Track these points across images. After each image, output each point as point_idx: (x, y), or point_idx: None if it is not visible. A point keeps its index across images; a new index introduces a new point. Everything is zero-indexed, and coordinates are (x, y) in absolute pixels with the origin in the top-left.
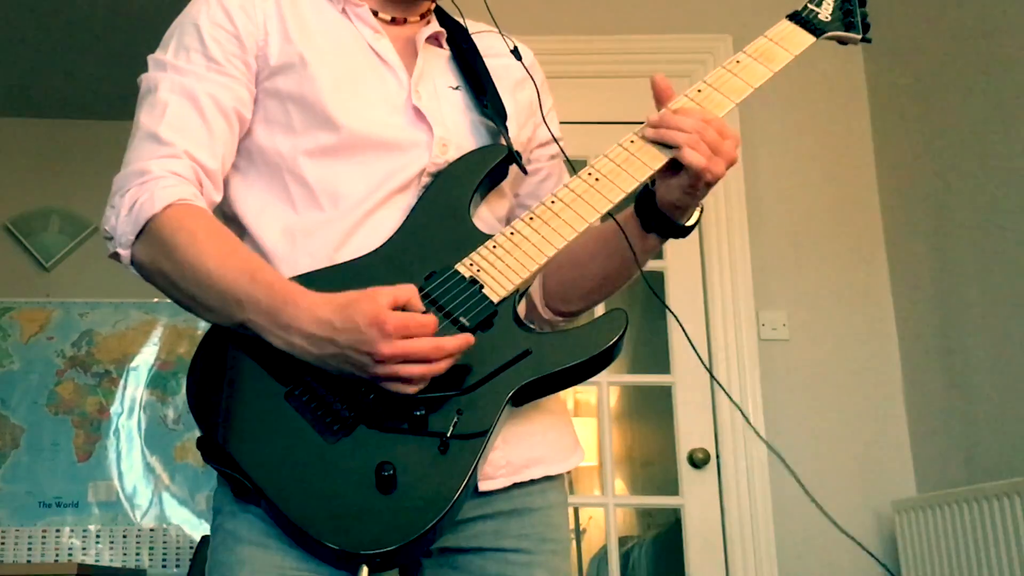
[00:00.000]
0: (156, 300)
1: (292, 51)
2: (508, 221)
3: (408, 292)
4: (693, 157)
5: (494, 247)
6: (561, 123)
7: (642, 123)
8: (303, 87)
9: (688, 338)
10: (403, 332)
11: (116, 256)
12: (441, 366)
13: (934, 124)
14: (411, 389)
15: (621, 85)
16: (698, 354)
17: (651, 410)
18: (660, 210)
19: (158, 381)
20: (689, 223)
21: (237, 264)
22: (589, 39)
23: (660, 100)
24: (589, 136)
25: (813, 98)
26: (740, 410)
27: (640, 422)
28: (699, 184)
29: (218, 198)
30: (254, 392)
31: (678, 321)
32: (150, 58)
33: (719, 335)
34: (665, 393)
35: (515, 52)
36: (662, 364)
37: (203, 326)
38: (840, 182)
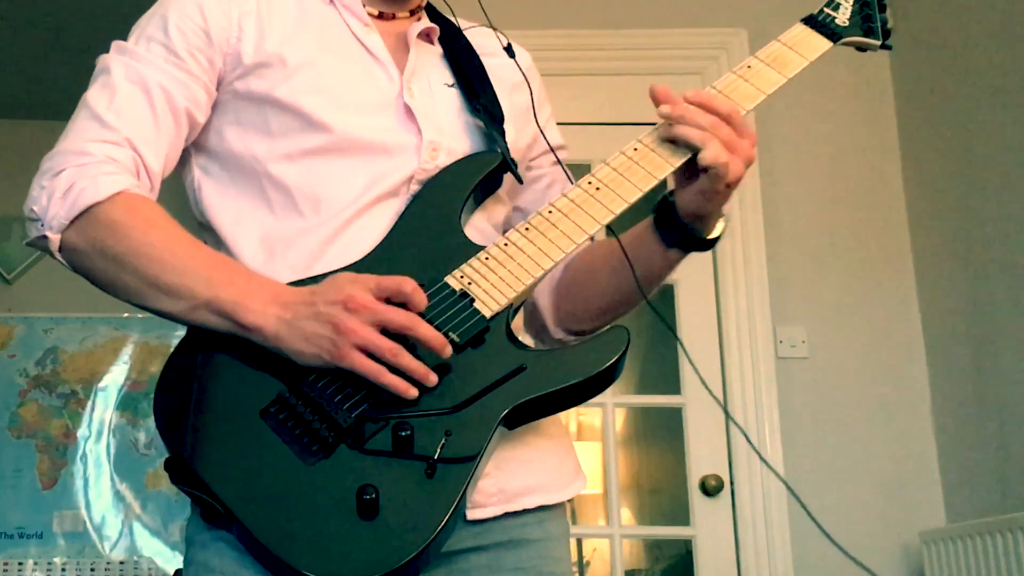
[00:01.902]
0: (126, 315)
1: (269, 50)
2: (506, 231)
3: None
4: (712, 155)
5: (486, 259)
6: (560, 124)
7: (649, 124)
8: (280, 88)
9: (692, 365)
10: (376, 283)
11: (42, 240)
12: (412, 364)
13: (966, 129)
14: (403, 386)
15: (625, 84)
16: (704, 382)
17: (660, 434)
18: (682, 222)
19: (129, 402)
20: (713, 235)
21: (203, 249)
22: (591, 34)
23: (659, 103)
24: (591, 139)
25: (835, 100)
26: (748, 439)
27: (648, 446)
28: (720, 186)
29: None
30: (227, 409)
31: (681, 346)
32: (114, 43)
33: (733, 353)
34: (675, 415)
35: (508, 49)
36: (672, 384)
37: (177, 343)
38: (864, 189)
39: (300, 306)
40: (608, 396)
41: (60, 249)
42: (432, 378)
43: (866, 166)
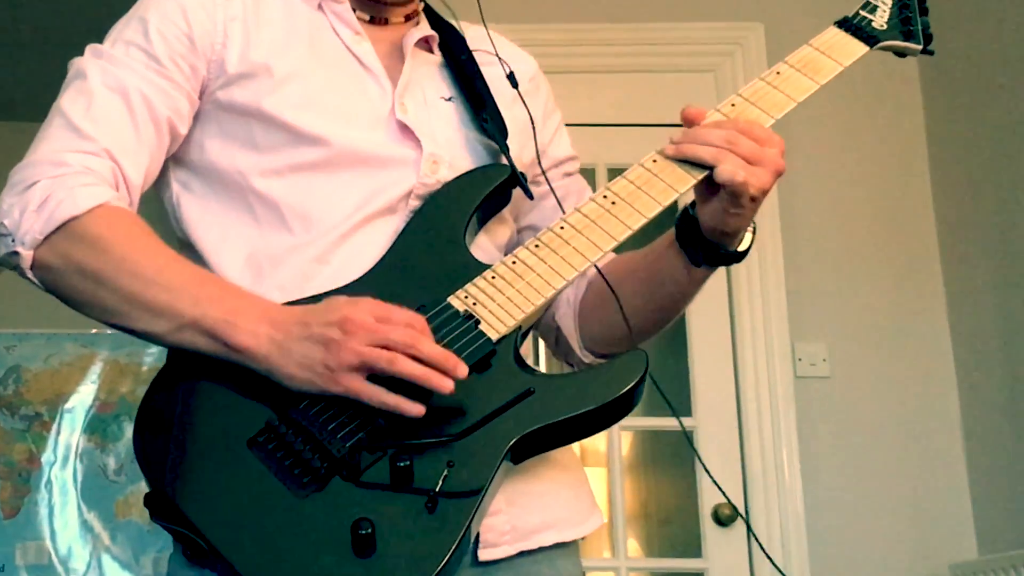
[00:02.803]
0: (95, 331)
1: (255, 60)
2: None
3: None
4: (727, 172)
5: (493, 278)
6: (574, 125)
7: (658, 126)
8: (266, 100)
9: (660, 391)
10: (381, 312)
11: (11, 256)
12: (417, 370)
13: (999, 135)
14: (408, 405)
15: (631, 82)
16: (672, 408)
17: (670, 459)
18: (706, 238)
19: (97, 425)
20: (742, 248)
21: (188, 266)
22: (593, 28)
23: (692, 125)
24: (599, 141)
25: (858, 101)
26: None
27: (657, 473)
28: (742, 202)
29: (134, 214)
30: (212, 439)
31: (653, 383)
32: (89, 46)
33: (748, 371)
34: (686, 439)
35: (511, 77)
36: (683, 405)
37: (150, 362)
38: (889, 198)
39: (293, 326)
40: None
41: (32, 267)
42: (462, 369)
43: (892, 171)
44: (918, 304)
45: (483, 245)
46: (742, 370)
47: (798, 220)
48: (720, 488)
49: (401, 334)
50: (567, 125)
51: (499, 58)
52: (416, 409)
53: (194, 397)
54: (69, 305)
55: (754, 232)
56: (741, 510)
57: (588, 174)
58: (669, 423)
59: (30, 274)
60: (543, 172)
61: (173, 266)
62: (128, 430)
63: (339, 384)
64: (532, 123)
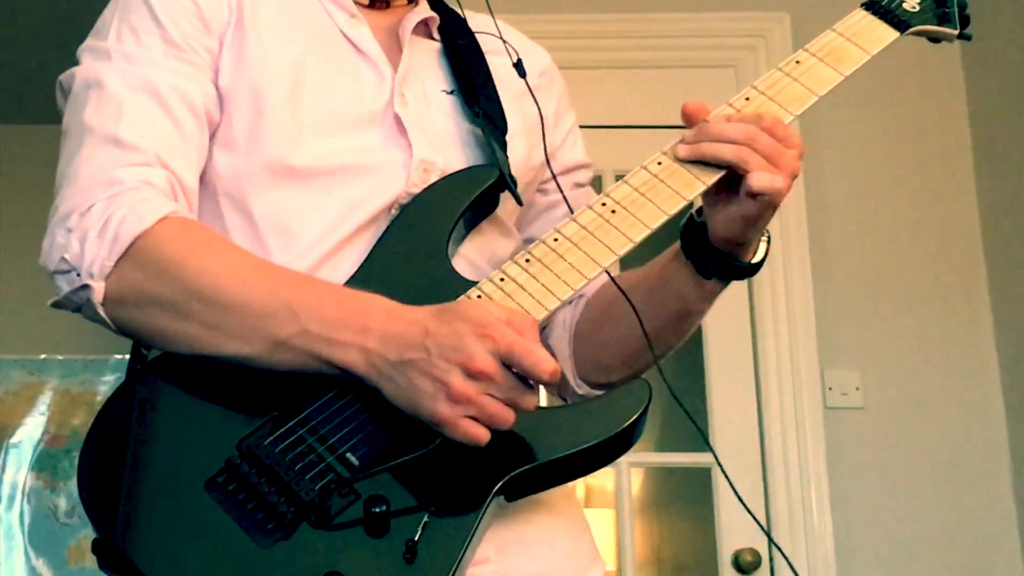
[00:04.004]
0: (44, 356)
1: (242, 41)
2: None
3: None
4: (763, 179)
5: (478, 296)
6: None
7: (676, 128)
8: (245, 91)
9: (684, 408)
10: (506, 348)
11: (81, 291)
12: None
13: None
14: (484, 436)
15: (645, 79)
16: (704, 435)
17: (685, 499)
18: (716, 248)
19: (46, 462)
20: (755, 259)
21: (274, 273)
22: (604, 19)
23: (693, 124)
24: (606, 145)
25: (896, 102)
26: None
27: (671, 514)
28: (764, 211)
29: (203, 224)
30: (166, 478)
31: (675, 397)
32: (84, 48)
33: (773, 402)
34: (703, 477)
35: (518, 66)
36: (699, 440)
37: (105, 391)
38: (930, 211)
39: (408, 349)
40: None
41: (103, 302)
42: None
43: (933, 181)
44: (962, 327)
45: (471, 257)
46: (765, 400)
47: (828, 233)
48: (755, 518)
49: (529, 401)
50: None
51: (504, 41)
52: (486, 437)
53: (146, 430)
54: (146, 341)
55: (768, 242)
56: (764, 556)
57: (595, 181)
58: (684, 459)
59: (101, 311)
60: (554, 177)
61: (259, 277)
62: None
63: (449, 426)
64: (542, 119)
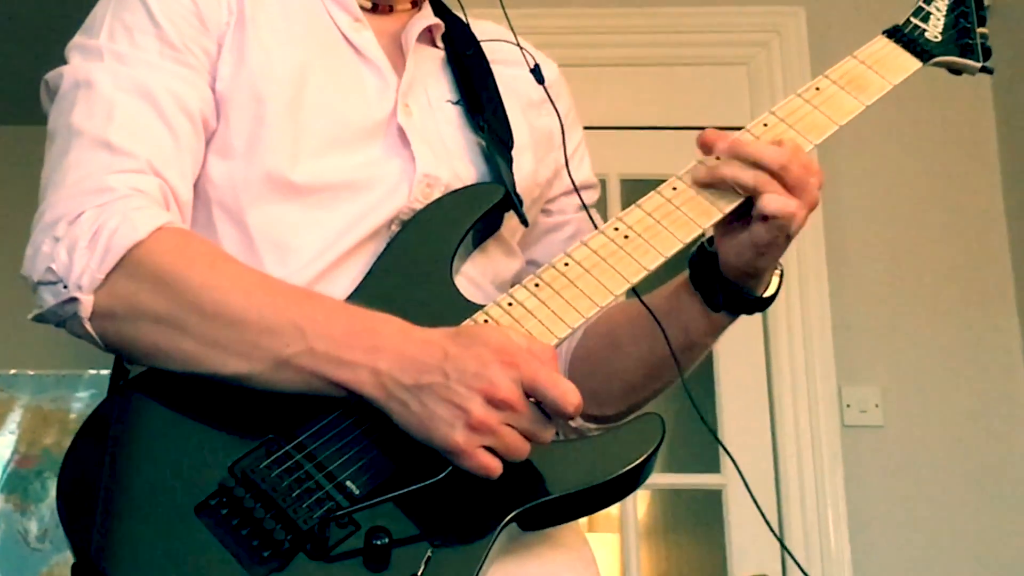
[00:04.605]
0: (13, 372)
1: (242, 44)
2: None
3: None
4: (777, 203)
5: (485, 321)
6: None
7: (681, 129)
8: (245, 96)
9: (699, 412)
10: (531, 377)
11: (68, 305)
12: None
13: None
14: (497, 469)
15: (654, 76)
16: (724, 448)
17: (694, 522)
18: (726, 279)
19: (16, 483)
20: (767, 293)
21: (277, 288)
22: (607, 13)
23: (709, 153)
24: (610, 147)
25: (916, 107)
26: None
27: (679, 538)
28: (780, 239)
29: (200, 236)
30: (151, 501)
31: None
32: (73, 46)
33: (787, 420)
34: (713, 498)
35: (536, 71)
36: (709, 460)
37: (79, 408)
38: (954, 216)
39: (425, 372)
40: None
41: (92, 316)
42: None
43: (957, 184)
44: (988, 340)
45: (474, 277)
46: (779, 418)
47: (846, 240)
48: (771, 527)
49: (548, 435)
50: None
51: (521, 48)
52: (500, 469)
53: (131, 450)
54: (135, 357)
55: (781, 276)
56: None
57: (599, 185)
58: (693, 480)
59: (88, 326)
60: (576, 190)
61: (261, 292)
62: (53, 489)
63: (466, 458)
64: (562, 126)
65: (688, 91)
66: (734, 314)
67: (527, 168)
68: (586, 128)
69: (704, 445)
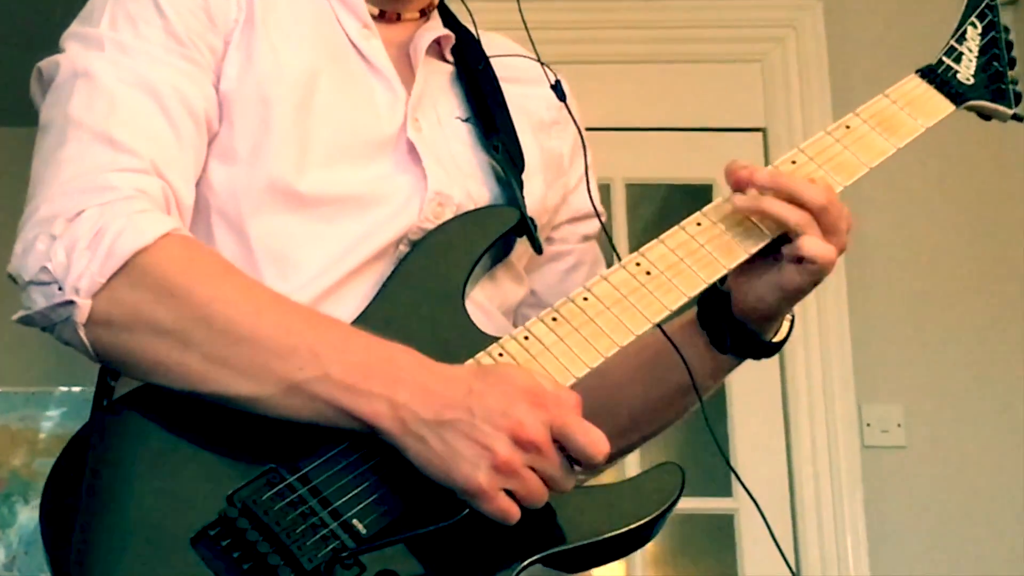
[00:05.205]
0: None
1: (251, 43)
2: (516, 314)
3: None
4: (818, 247)
5: (500, 355)
6: (585, 130)
7: (693, 131)
8: (252, 99)
9: (718, 444)
10: (560, 422)
11: (63, 307)
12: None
13: None
14: (516, 515)
15: (663, 75)
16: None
17: (704, 549)
18: (738, 320)
19: None
20: (778, 338)
21: (291, 308)
22: (617, 7)
23: (738, 188)
24: (616, 150)
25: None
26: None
27: (688, 566)
28: (810, 284)
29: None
30: (143, 529)
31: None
32: (70, 35)
33: (803, 440)
34: (725, 524)
35: (557, 87)
36: (721, 483)
37: (49, 427)
38: (979, 226)
39: (448, 407)
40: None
41: (87, 322)
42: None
43: (981, 194)
44: (1016, 357)
45: (481, 302)
46: (795, 438)
47: (866, 253)
48: (785, 557)
49: (571, 484)
50: (585, 129)
51: (542, 64)
52: (518, 515)
53: (122, 472)
54: (130, 371)
55: (792, 322)
56: None
57: (604, 190)
58: (704, 504)
59: (82, 332)
60: (597, 215)
61: (274, 310)
62: (21, 513)
63: (487, 502)
64: (583, 142)
65: (698, 90)
66: (740, 357)
67: (538, 192)
68: (589, 129)
69: (715, 467)
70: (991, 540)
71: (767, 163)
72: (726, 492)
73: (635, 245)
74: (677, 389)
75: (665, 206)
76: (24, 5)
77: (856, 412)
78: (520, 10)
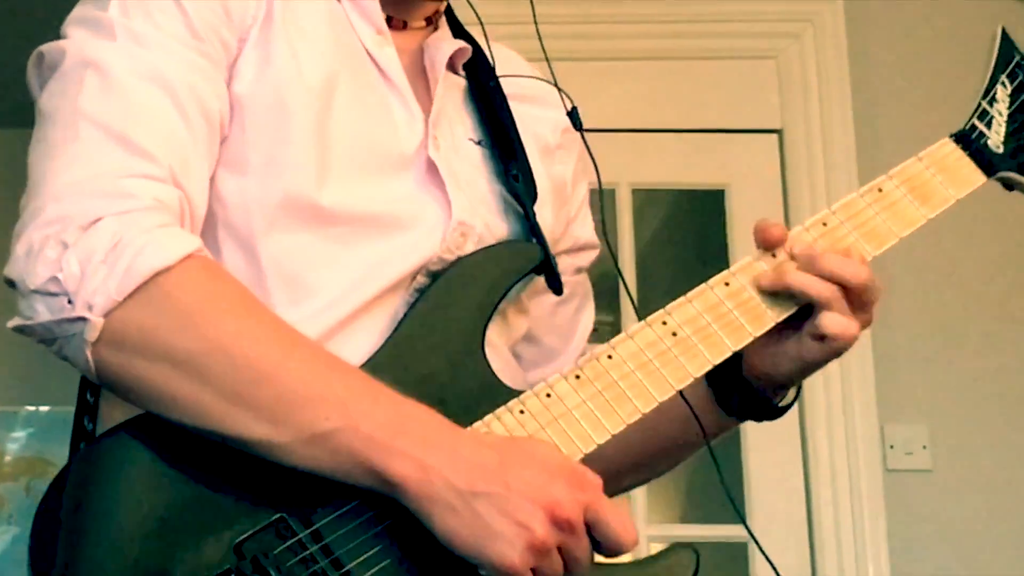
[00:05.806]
0: None
1: (269, 44)
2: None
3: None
4: (840, 325)
5: (521, 412)
6: (588, 131)
7: (702, 132)
8: (268, 104)
9: (716, 461)
10: (596, 506)
11: (72, 323)
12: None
13: None
14: None
15: (672, 72)
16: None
17: None
18: (748, 382)
19: None
20: (784, 403)
21: (318, 352)
22: (628, 1)
23: (769, 249)
24: (622, 152)
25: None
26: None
27: None
28: (826, 358)
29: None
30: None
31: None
32: (76, 19)
33: (822, 462)
34: (737, 553)
35: (573, 115)
36: (732, 509)
37: (15, 449)
38: (1006, 240)
39: (482, 478)
40: (642, 526)
41: (96, 341)
42: None
43: (1005, 209)
44: None
45: (494, 341)
46: (814, 461)
47: (888, 265)
48: None
49: (588, 561)
50: (590, 131)
51: (558, 88)
52: None
53: (125, 507)
54: (136, 399)
55: (799, 389)
56: None
57: (608, 195)
58: (714, 531)
59: (88, 351)
60: (612, 255)
61: (301, 353)
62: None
63: None
64: (598, 174)
65: (709, 89)
66: (741, 419)
67: (548, 223)
68: (594, 130)
69: (729, 491)
70: (1019, 566)
71: (783, 168)
72: (737, 519)
73: (641, 254)
74: (674, 442)
75: (673, 213)
76: (24, 5)
77: (878, 433)
78: (532, 3)
